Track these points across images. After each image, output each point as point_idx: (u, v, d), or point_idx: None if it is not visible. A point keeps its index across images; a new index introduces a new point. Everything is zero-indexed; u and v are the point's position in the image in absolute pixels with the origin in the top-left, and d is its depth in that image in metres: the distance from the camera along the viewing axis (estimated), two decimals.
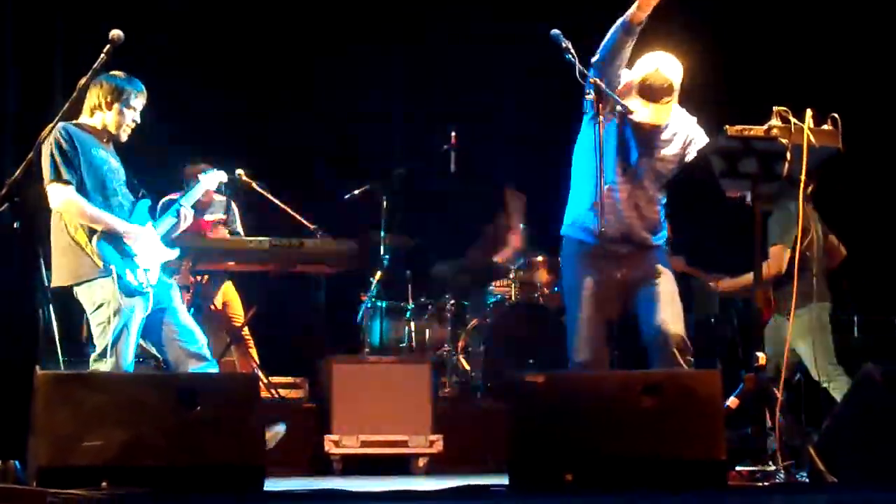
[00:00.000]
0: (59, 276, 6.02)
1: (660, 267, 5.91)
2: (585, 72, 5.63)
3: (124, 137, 6.20)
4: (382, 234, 8.80)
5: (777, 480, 5.15)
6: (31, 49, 9.39)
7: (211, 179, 7.21)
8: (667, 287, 5.87)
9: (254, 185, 8.23)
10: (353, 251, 8.03)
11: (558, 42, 5.70)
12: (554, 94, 8.51)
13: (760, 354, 5.38)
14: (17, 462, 4.93)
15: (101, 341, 5.90)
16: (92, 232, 5.93)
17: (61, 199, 5.92)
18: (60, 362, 7.38)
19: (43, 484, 4.44)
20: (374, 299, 8.92)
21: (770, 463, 5.25)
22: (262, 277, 8.39)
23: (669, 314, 5.80)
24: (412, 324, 9.07)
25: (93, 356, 5.94)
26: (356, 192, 8.87)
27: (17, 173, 5.21)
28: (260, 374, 8.31)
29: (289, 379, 8.82)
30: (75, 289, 6.00)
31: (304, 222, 8.24)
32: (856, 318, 9.10)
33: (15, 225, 5.42)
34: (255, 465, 4.73)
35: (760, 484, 5.09)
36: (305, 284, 9.72)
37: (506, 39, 10.68)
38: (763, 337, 5.69)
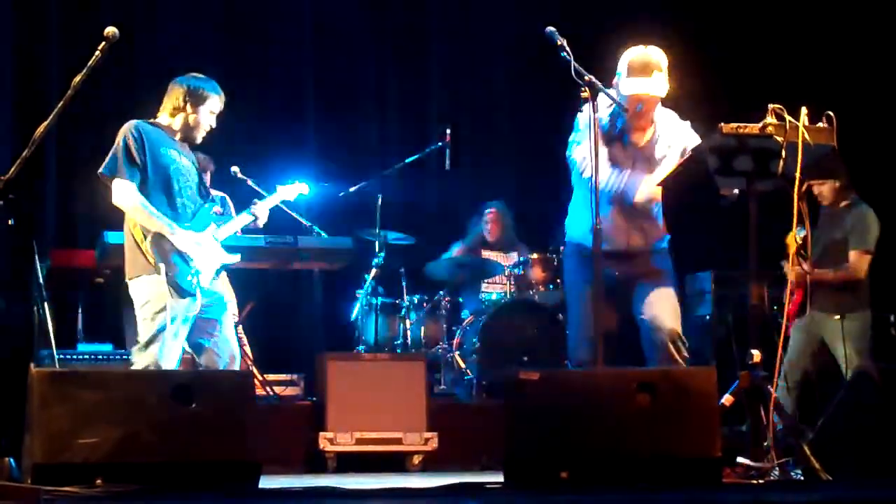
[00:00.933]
0: (126, 271, 6.11)
1: (658, 267, 5.96)
2: (580, 69, 5.64)
3: (199, 140, 6.27)
4: (377, 231, 8.79)
5: (772, 478, 5.16)
6: (26, 46, 9.38)
7: (289, 191, 7.10)
8: (665, 286, 5.91)
9: (249, 182, 8.22)
10: (348, 248, 8.03)
11: (553, 40, 5.70)
12: (549, 90, 8.55)
13: (755, 352, 5.38)
14: (11, 459, 4.93)
15: (143, 335, 5.97)
16: (146, 230, 5.98)
17: (120, 195, 5.99)
18: (55, 359, 7.39)
19: (38, 481, 4.44)
20: (368, 296, 8.91)
21: (765, 460, 5.25)
22: (257, 274, 8.39)
23: (667, 312, 5.84)
24: (407, 321, 9.07)
25: (135, 348, 6.01)
26: (351, 189, 8.86)
27: (12, 170, 5.20)
28: (255, 371, 8.30)
29: (284, 376, 8.82)
30: (129, 283, 6.07)
31: (300, 219, 8.24)
32: None
33: (10, 222, 5.42)
34: (250, 463, 4.74)
35: (755, 481, 5.10)
36: (300, 282, 9.74)
37: (502, 36, 10.70)
38: (758, 334, 5.68)
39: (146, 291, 5.98)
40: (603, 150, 5.79)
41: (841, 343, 7.51)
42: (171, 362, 5.92)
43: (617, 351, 5.89)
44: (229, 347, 6.17)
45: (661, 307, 5.85)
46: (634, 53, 5.83)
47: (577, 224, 6.01)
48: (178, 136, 6.20)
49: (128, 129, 6.03)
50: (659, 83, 5.79)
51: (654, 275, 5.92)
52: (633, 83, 5.78)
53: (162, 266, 5.92)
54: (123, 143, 5.99)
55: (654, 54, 5.81)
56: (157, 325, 5.92)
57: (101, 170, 6.01)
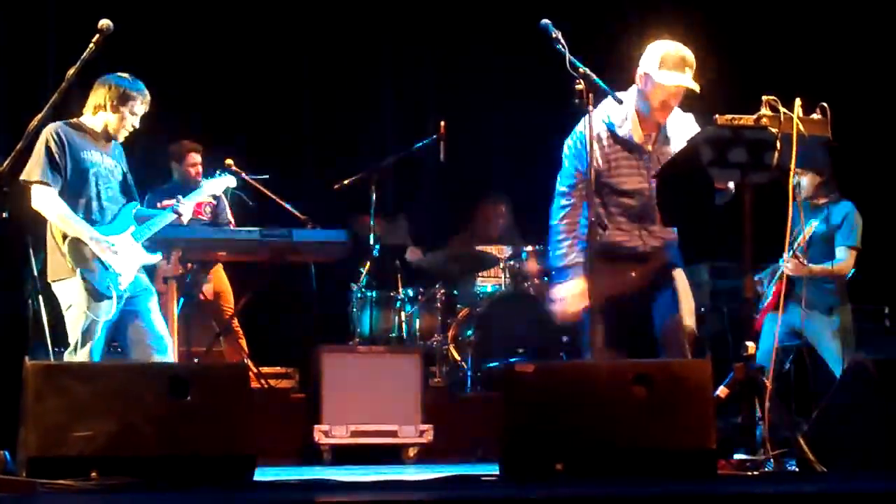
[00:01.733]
0: (48, 272, 6.17)
1: (672, 262, 5.98)
2: (575, 61, 5.64)
3: (121, 139, 6.29)
4: (372, 223, 8.78)
5: (766, 470, 5.16)
6: (20, 38, 9.36)
7: (216, 185, 7.19)
8: (681, 282, 5.95)
9: (243, 174, 8.22)
10: (343, 241, 8.02)
11: (548, 32, 5.70)
12: (545, 83, 8.53)
13: (750, 344, 5.39)
14: (6, 452, 4.92)
15: (71, 337, 6.06)
16: (65, 234, 6.03)
17: (39, 199, 6.04)
18: (50, 353, 7.38)
19: (33, 474, 4.44)
20: (363, 289, 8.91)
21: (760, 452, 5.26)
22: (252, 268, 8.38)
23: (685, 309, 5.88)
24: (402, 314, 9.07)
25: (67, 351, 6.10)
26: (346, 181, 8.85)
27: (5, 164, 5.20)
28: (250, 364, 8.30)
29: (279, 369, 8.83)
30: (53, 285, 6.15)
31: (294, 212, 8.23)
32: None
33: (3, 215, 5.41)
34: (245, 455, 4.73)
35: (750, 473, 5.10)
36: (295, 274, 9.72)
37: (497, 29, 10.69)
38: (753, 326, 5.69)
39: (68, 295, 6.05)
40: (614, 155, 5.82)
41: (827, 338, 7.53)
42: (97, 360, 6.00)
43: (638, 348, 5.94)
44: (158, 337, 6.20)
45: (682, 307, 5.90)
46: (667, 48, 5.76)
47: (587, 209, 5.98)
48: (100, 136, 6.21)
49: (50, 132, 6.03)
50: (692, 80, 5.76)
51: (669, 271, 5.96)
52: (671, 76, 5.71)
53: (79, 270, 5.97)
54: (45, 148, 6.01)
55: (687, 51, 5.76)
56: (82, 328, 6.00)
57: (22, 176, 5.99)
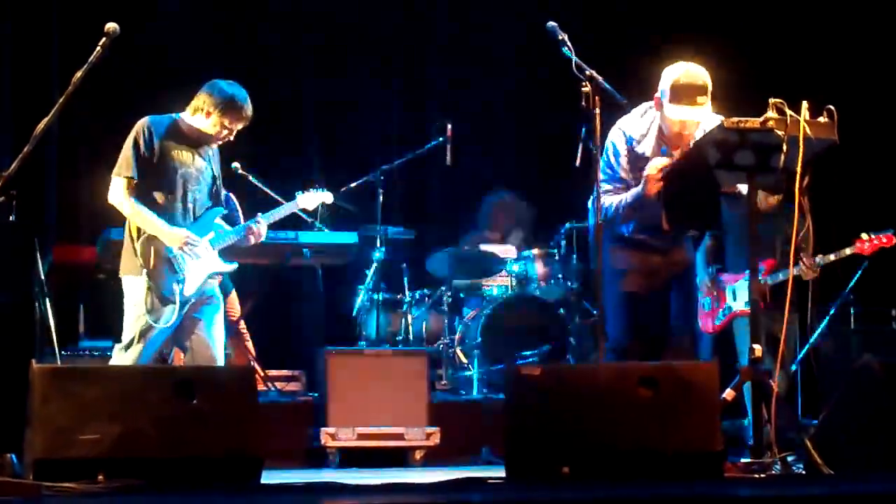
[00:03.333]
0: (120, 266, 6.14)
1: (689, 262, 6.04)
2: (581, 64, 5.65)
3: (215, 147, 6.25)
4: (378, 226, 8.78)
5: (773, 472, 5.16)
6: (27, 41, 9.38)
7: (310, 200, 7.08)
8: (690, 286, 6.02)
9: (250, 177, 8.22)
10: (350, 244, 8.03)
11: (555, 35, 5.72)
12: (552, 84, 8.53)
13: (756, 347, 5.38)
14: (13, 455, 4.93)
15: (126, 334, 6.01)
16: (140, 231, 5.99)
17: (113, 192, 6.02)
18: (57, 356, 7.39)
19: (39, 477, 4.44)
20: (370, 291, 8.91)
21: (766, 455, 5.25)
22: (258, 270, 8.39)
23: (687, 316, 5.96)
24: (409, 316, 9.07)
25: (118, 346, 6.04)
26: (353, 184, 8.85)
27: (12, 168, 5.20)
28: (256, 366, 8.31)
29: (285, 371, 8.83)
30: (122, 279, 6.09)
31: (301, 215, 8.24)
32: (852, 310, 9.11)
33: (11, 218, 5.42)
34: (251, 458, 4.74)
35: (756, 476, 5.10)
36: (302, 277, 9.73)
37: (504, 31, 10.69)
38: (759, 328, 5.68)
39: (134, 292, 6.01)
40: (632, 169, 5.90)
41: (790, 339, 7.50)
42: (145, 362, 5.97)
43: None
44: (213, 350, 6.13)
45: (692, 306, 6.03)
46: (678, 75, 5.77)
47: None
48: (194, 138, 6.15)
49: (140, 126, 6.02)
50: (703, 110, 5.76)
51: (687, 267, 6.05)
52: (678, 110, 5.75)
53: (146, 271, 5.94)
54: (133, 141, 5.99)
55: (699, 77, 5.76)
56: (140, 327, 5.95)
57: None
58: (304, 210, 7.24)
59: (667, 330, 6.02)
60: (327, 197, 7.17)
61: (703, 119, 5.77)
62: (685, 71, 5.78)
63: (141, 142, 5.98)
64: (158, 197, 6.03)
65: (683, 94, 5.73)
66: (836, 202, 9.31)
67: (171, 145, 6.07)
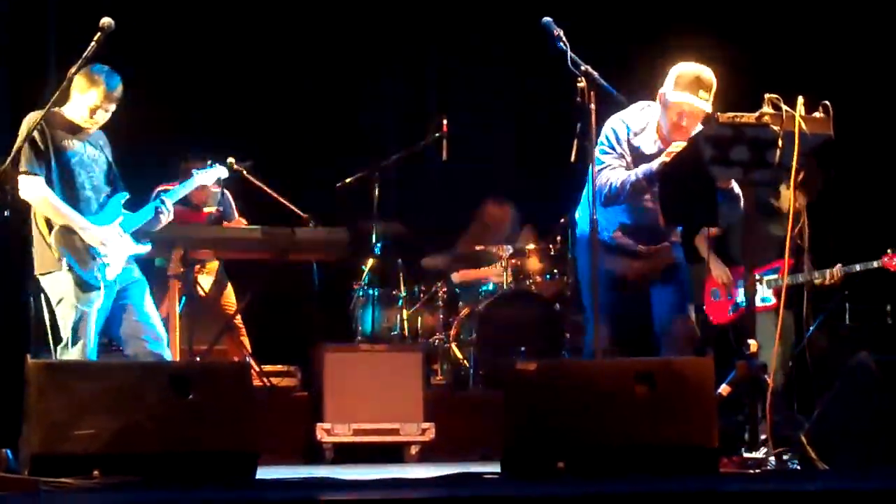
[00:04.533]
0: (35, 265, 6.10)
1: (676, 259, 6.02)
2: (577, 59, 5.65)
3: (91, 130, 6.19)
4: (374, 222, 8.78)
5: (768, 468, 5.16)
6: (22, 36, 9.35)
7: (208, 176, 7.14)
8: (680, 279, 5.98)
9: (245, 173, 8.21)
10: (345, 239, 8.01)
11: (550, 30, 5.72)
12: (547, 79, 8.52)
13: (752, 342, 5.39)
14: (9, 450, 4.93)
15: (63, 332, 5.99)
16: (51, 225, 5.98)
17: (27, 189, 5.96)
18: (52, 351, 7.37)
19: (35, 472, 4.44)
20: (365, 287, 8.91)
21: (762, 450, 5.26)
22: (254, 266, 8.38)
23: (680, 304, 5.91)
24: (404, 312, 9.07)
25: (60, 346, 6.00)
26: (348, 180, 8.85)
27: (6, 163, 5.20)
28: (252, 362, 8.30)
29: (281, 367, 8.82)
30: (40, 279, 6.08)
31: (296, 210, 8.23)
32: (847, 306, 9.12)
33: (5, 213, 5.42)
34: (247, 453, 4.74)
35: (752, 471, 5.11)
36: (297, 273, 9.72)
37: (500, 27, 10.68)
38: (755, 324, 5.69)
39: (57, 288, 5.99)
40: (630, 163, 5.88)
41: (789, 338, 7.57)
42: (90, 355, 5.94)
43: (636, 342, 5.96)
44: (151, 328, 6.14)
45: (682, 305, 6.00)
46: (684, 68, 5.84)
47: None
48: (79, 125, 6.13)
49: (32, 121, 5.94)
50: (705, 101, 5.78)
51: (672, 267, 6.01)
52: (679, 95, 5.79)
53: (65, 261, 5.93)
54: (29, 138, 5.92)
55: (705, 73, 5.82)
56: (72, 321, 5.94)
57: (4, 166, 5.85)
58: (202, 186, 7.26)
59: (660, 329, 6.01)
60: (222, 171, 7.23)
61: (704, 108, 5.76)
62: (694, 64, 5.86)
63: (37, 135, 5.94)
64: (60, 189, 6.00)
65: (688, 83, 5.78)
66: (864, 213, 9.37)
67: (61, 135, 6.06)
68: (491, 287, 9.38)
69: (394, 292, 9.13)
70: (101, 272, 6.02)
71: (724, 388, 5.32)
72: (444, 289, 9.25)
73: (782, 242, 7.18)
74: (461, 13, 10.73)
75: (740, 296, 7.61)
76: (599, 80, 5.69)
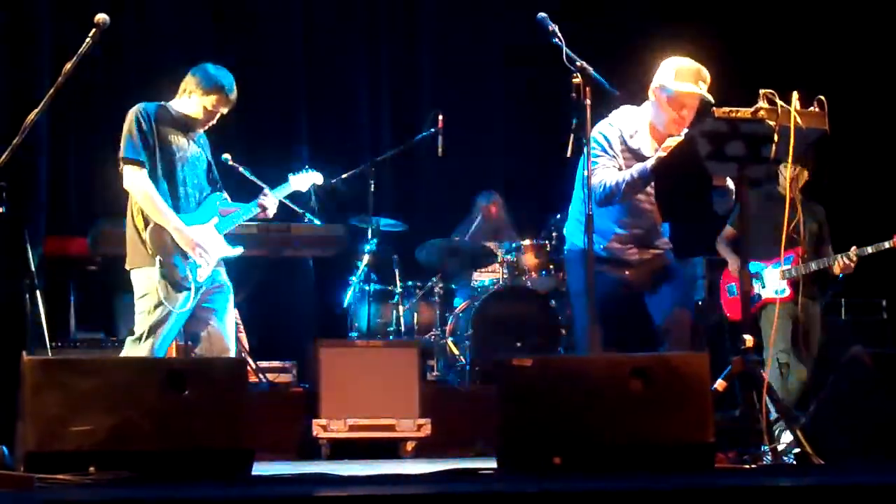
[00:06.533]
0: (126, 259, 6.04)
1: (668, 262, 6.03)
2: (572, 55, 5.65)
3: (201, 130, 6.20)
4: (370, 217, 8.78)
5: (764, 463, 5.17)
6: (17, 32, 9.35)
7: (302, 180, 6.99)
8: (677, 284, 6.00)
9: (241, 168, 8.20)
10: (341, 235, 8.02)
11: (545, 26, 5.72)
12: (542, 76, 8.54)
13: (748, 337, 5.39)
14: (4, 447, 4.93)
15: (139, 327, 5.93)
16: (147, 220, 5.92)
17: (130, 179, 5.92)
18: (48, 347, 7.38)
19: (31, 469, 4.44)
20: (361, 283, 8.91)
21: (758, 445, 5.26)
22: (250, 262, 8.37)
23: (680, 311, 5.93)
24: (400, 307, 9.07)
25: (130, 337, 5.95)
26: (344, 175, 8.85)
27: (2, 158, 5.19)
28: (248, 358, 8.30)
29: (277, 363, 8.81)
30: (130, 273, 6.01)
31: (292, 206, 8.23)
32: (843, 300, 9.14)
33: (2, 209, 5.42)
34: (243, 450, 4.74)
35: (748, 466, 5.11)
36: (293, 269, 9.72)
37: (495, 21, 10.69)
38: (751, 319, 5.70)
39: (144, 283, 5.93)
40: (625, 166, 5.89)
41: (817, 328, 7.61)
42: (159, 354, 5.90)
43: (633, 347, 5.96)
44: (226, 338, 6.10)
45: (677, 309, 5.98)
46: (682, 62, 5.85)
47: (582, 212, 5.98)
48: (185, 122, 6.11)
49: (137, 111, 5.96)
50: (706, 92, 5.80)
51: (666, 273, 6.03)
52: (682, 85, 5.80)
53: (158, 259, 5.89)
54: (137, 127, 5.92)
55: (702, 67, 5.84)
56: (153, 319, 5.88)
57: (121, 153, 5.91)
58: (298, 191, 7.19)
59: (661, 327, 6.01)
60: (317, 177, 7.13)
61: (707, 98, 5.76)
62: (688, 59, 5.87)
63: (143, 124, 5.92)
64: (160, 184, 5.96)
65: (689, 74, 5.80)
66: (870, 197, 9.39)
67: (168, 130, 6.02)
68: (487, 283, 9.39)
69: (390, 288, 9.14)
70: (193, 273, 5.97)
71: (719, 384, 5.32)
72: (440, 284, 9.25)
73: (791, 230, 7.23)
74: (458, 7, 10.73)
75: (758, 289, 7.60)
76: (595, 75, 5.69)
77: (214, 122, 6.17)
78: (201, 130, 6.20)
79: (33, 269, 7.58)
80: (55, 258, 8.43)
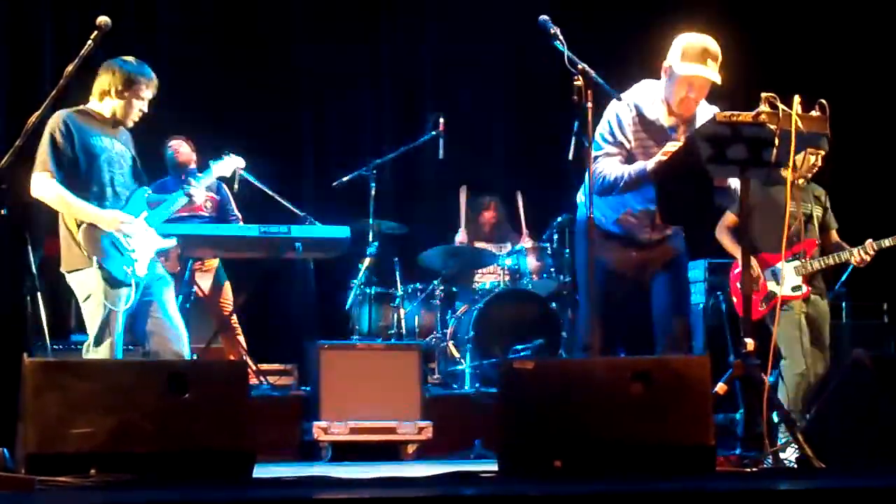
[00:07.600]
0: (62, 262, 6.06)
1: (677, 250, 6.02)
2: (574, 58, 5.65)
3: (130, 125, 6.21)
4: (371, 220, 8.78)
5: (765, 466, 5.16)
6: (19, 34, 9.35)
7: (224, 166, 7.05)
8: (680, 273, 5.99)
9: (242, 171, 8.20)
10: (343, 238, 8.01)
11: (547, 29, 5.72)
12: (544, 79, 8.53)
13: (749, 340, 5.39)
14: (5, 449, 4.93)
15: (91, 330, 5.94)
16: (78, 221, 5.94)
17: (39, 188, 5.95)
18: (49, 349, 7.38)
19: (32, 471, 4.44)
20: (362, 286, 8.91)
21: (758, 448, 5.26)
22: (251, 264, 8.38)
23: (679, 301, 5.91)
24: (401, 310, 9.07)
25: (86, 344, 5.97)
26: (345, 178, 8.85)
27: (4, 160, 5.19)
28: (248, 360, 8.30)
29: (278, 366, 8.83)
30: (67, 277, 6.04)
31: (293, 209, 8.23)
32: (845, 304, 9.13)
33: (3, 211, 5.41)
34: (244, 452, 4.73)
35: (748, 469, 5.11)
36: (294, 271, 9.73)
37: (497, 25, 10.69)
38: (751, 322, 5.68)
39: (85, 285, 5.96)
40: (640, 138, 5.86)
41: (827, 324, 7.45)
42: (118, 353, 5.91)
43: (632, 334, 5.95)
44: (175, 327, 6.11)
45: (676, 299, 5.98)
46: (690, 39, 5.81)
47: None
48: (108, 122, 6.13)
49: (55, 122, 5.96)
50: (713, 71, 5.77)
51: (671, 260, 6.03)
52: (689, 67, 5.76)
53: (95, 259, 5.90)
54: (50, 139, 5.93)
55: (711, 43, 5.79)
56: (100, 319, 5.90)
57: (36, 166, 5.92)
58: (221, 178, 7.22)
59: (657, 321, 6.01)
60: (239, 161, 7.19)
61: (714, 78, 5.76)
62: (699, 35, 5.83)
63: (58, 136, 5.93)
64: (88, 186, 5.98)
65: (696, 54, 5.75)
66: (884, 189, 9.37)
67: (90, 134, 6.04)
68: (488, 285, 9.39)
69: (391, 291, 9.14)
70: (131, 269, 5.98)
71: (720, 387, 5.31)
72: (441, 287, 9.25)
73: (799, 217, 7.17)
74: (459, 10, 10.73)
75: (771, 285, 7.40)
76: (596, 78, 5.69)
77: (146, 110, 6.17)
78: (129, 125, 6.20)
79: (34, 270, 7.58)
80: (56, 260, 8.41)
